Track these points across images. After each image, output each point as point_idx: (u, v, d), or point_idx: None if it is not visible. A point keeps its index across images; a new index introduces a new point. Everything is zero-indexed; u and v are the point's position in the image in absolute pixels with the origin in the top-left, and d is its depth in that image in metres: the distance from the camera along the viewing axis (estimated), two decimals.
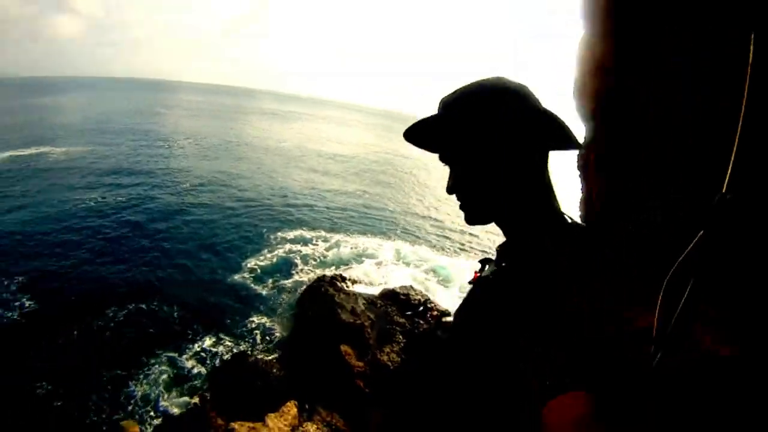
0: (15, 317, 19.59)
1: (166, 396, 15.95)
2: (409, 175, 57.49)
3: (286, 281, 23.53)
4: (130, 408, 15.20)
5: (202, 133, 72.20)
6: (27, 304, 20.54)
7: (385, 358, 15.69)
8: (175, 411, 15.25)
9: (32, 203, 34.54)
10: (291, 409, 10.35)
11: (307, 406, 12.21)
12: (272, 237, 29.11)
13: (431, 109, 1.53)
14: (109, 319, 19.84)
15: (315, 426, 9.57)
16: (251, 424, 8.91)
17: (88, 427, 14.31)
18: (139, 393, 15.89)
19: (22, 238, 27.63)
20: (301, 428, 9.63)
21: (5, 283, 22.15)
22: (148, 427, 14.56)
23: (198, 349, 18.44)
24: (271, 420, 9.40)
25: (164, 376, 16.86)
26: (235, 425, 8.56)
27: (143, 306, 20.90)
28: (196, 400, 15.48)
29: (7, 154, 47.85)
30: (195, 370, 17.27)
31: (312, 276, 23.47)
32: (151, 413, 15.15)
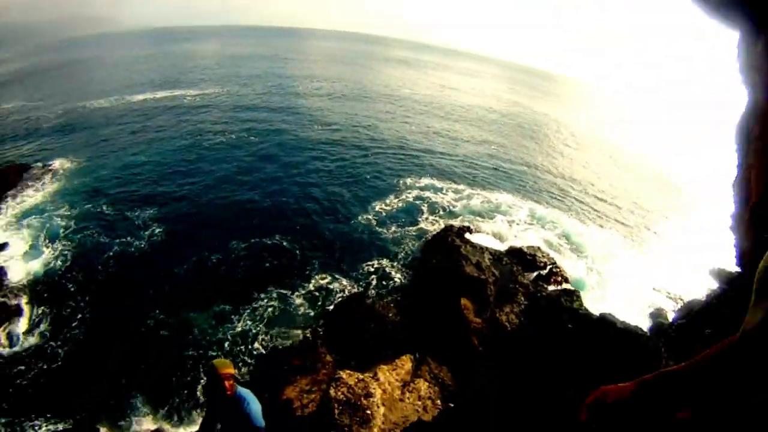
0: (142, 245, 21.47)
1: (266, 332, 16.67)
2: (548, 133, 54.43)
3: (410, 228, 23.43)
4: (227, 344, 16.04)
5: (334, 78, 73.86)
6: (156, 232, 22.54)
7: (504, 318, 15.13)
8: (278, 344, 15.93)
9: (167, 137, 37.82)
10: (406, 363, 10.18)
11: (418, 358, 11.80)
12: (401, 182, 29.11)
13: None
14: (229, 251, 21.08)
15: (426, 383, 9.26)
16: (360, 375, 8.44)
17: (183, 360, 15.27)
18: (239, 328, 16.72)
19: (158, 170, 30.51)
20: (411, 384, 9.22)
21: (138, 212, 24.46)
22: (246, 360, 15.36)
23: (312, 288, 18.99)
24: (383, 373, 9.05)
25: (269, 312, 17.60)
26: (343, 374, 8.21)
27: (266, 240, 21.90)
28: (307, 333, 16.11)
29: (143, 96, 52.85)
30: (304, 309, 17.84)
31: (438, 226, 23.14)
32: (246, 349, 15.90)
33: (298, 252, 21.04)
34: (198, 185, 28.02)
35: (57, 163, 33.49)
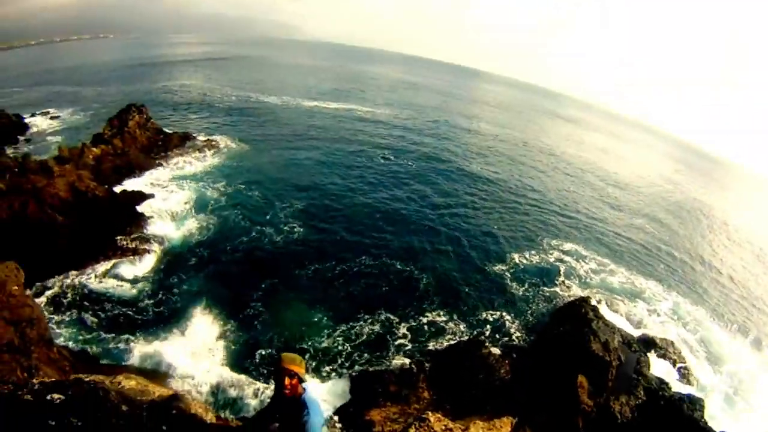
0: (277, 239, 23.47)
1: (365, 349, 17.34)
2: (711, 225, 49.79)
3: (543, 288, 23.05)
4: (321, 349, 17.04)
5: (502, 123, 74.26)
6: (294, 229, 24.55)
7: (617, 408, 14.37)
8: (375, 365, 16.51)
9: (329, 143, 40.66)
10: (504, 426, 8.76)
11: (518, 423, 11.80)
12: (544, 241, 28.61)
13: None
14: (353, 265, 22.14)
15: None
16: (450, 424, 7.24)
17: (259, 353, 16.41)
18: (336, 337, 17.64)
19: (313, 171, 33.02)
20: None
21: (284, 205, 26.90)
22: (338, 370, 16.09)
23: (424, 321, 19.36)
24: (476, 429, 8.15)
25: (372, 331, 18.28)
26: (431, 417, 7.19)
27: (393, 263, 22.71)
28: (411, 364, 16.41)
29: (315, 102, 57.54)
30: (409, 339, 18.20)
31: (572, 293, 22.60)
32: (340, 359, 16.74)
33: (421, 283, 21.55)
34: (346, 193, 30.12)
35: (220, 140, 37.71)
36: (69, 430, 3.82)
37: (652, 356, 18.23)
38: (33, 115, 46.80)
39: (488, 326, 19.57)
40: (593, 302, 19.55)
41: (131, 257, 20.40)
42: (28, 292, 15.52)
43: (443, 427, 6.93)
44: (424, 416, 7.15)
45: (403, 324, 18.96)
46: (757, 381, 20.38)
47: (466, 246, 25.72)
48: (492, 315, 20.24)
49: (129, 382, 5.66)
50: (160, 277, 19.60)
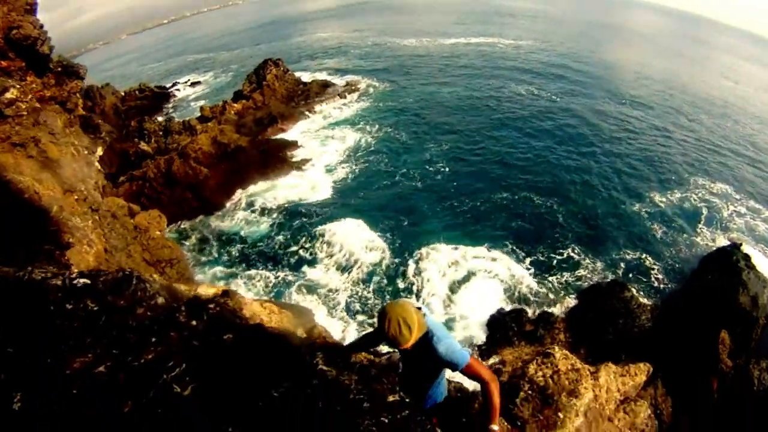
0: (432, 176, 23.77)
1: (500, 286, 17.18)
2: None
3: (689, 231, 20.91)
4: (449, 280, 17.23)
5: (656, 54, 66.40)
6: (441, 169, 24.53)
7: (757, 373, 12.85)
8: (509, 304, 16.28)
9: (473, 78, 39.36)
10: (639, 374, 7.35)
11: (653, 374, 10.56)
12: (692, 180, 25.49)
13: None
14: (494, 202, 21.87)
15: (647, 410, 6.80)
16: (578, 362, 6.14)
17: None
18: (477, 271, 17.71)
19: (458, 107, 32.45)
20: (632, 404, 6.74)
21: (432, 144, 26.93)
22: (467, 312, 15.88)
23: (560, 258, 18.65)
24: (607, 373, 6.68)
25: (501, 271, 17.88)
26: (557, 351, 6.26)
27: (532, 197, 22.16)
28: (548, 306, 16.11)
29: (455, 39, 55.25)
30: (549, 277, 17.73)
31: (721, 240, 20.26)
32: (470, 298, 16.58)
33: (559, 220, 20.77)
34: (488, 129, 29.24)
35: (361, 83, 38.06)
36: (77, 317, 3.10)
37: None
38: (174, 85, 49.91)
39: (628, 269, 18.35)
40: (746, 250, 17.23)
41: (267, 201, 21.81)
42: (169, 235, 18.19)
43: (569, 366, 6.00)
44: (549, 351, 6.27)
45: (541, 259, 18.57)
46: None
47: (603, 182, 24.05)
48: (632, 257, 18.94)
49: (206, 290, 5.01)
50: (293, 218, 20.92)
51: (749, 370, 12.68)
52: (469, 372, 3.23)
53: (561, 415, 5.24)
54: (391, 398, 3.30)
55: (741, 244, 17.24)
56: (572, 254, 18.76)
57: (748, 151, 32.64)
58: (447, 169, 24.17)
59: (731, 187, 25.62)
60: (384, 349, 5.25)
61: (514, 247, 18.89)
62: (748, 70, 78.61)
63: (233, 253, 18.97)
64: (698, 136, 33.01)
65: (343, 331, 15.08)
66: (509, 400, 5.33)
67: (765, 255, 19.63)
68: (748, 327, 13.38)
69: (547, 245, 19.10)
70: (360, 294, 16.74)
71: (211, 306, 3.78)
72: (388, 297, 16.41)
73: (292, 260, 18.43)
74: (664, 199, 23.01)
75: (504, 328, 14.61)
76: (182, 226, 20.45)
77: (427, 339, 3.29)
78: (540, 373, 5.72)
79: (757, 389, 12.40)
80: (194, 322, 3.62)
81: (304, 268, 17.92)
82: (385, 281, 17.29)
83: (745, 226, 22.35)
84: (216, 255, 18.90)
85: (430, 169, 24.29)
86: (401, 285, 17.08)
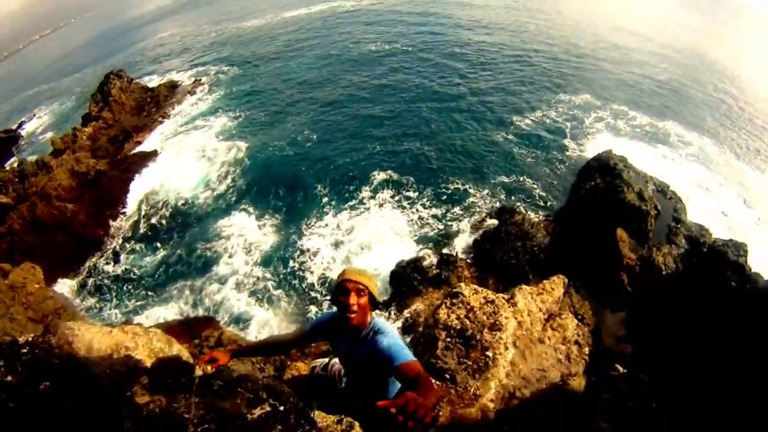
0: (302, 145, 23.22)
1: (392, 234, 17.21)
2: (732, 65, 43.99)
3: (561, 146, 21.78)
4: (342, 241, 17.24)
5: None
6: (312, 135, 23.96)
7: (660, 259, 13.55)
8: (410, 250, 16.17)
9: (319, 48, 38.64)
10: (556, 287, 6.81)
11: (569, 284, 10.57)
12: (553, 98, 26.59)
13: None
14: (365, 152, 21.92)
15: (574, 321, 6.11)
16: (489, 294, 5.70)
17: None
18: (364, 227, 17.75)
19: (308, 78, 31.69)
20: (557, 319, 6.15)
21: (297, 115, 26.44)
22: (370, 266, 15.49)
23: (445, 194, 18.82)
24: (524, 296, 6.13)
25: (397, 211, 18.19)
26: (465, 288, 5.73)
27: (400, 144, 22.27)
28: (446, 245, 16.08)
29: (297, 11, 53.75)
30: (438, 217, 17.81)
31: (593, 147, 21.12)
32: (367, 250, 16.73)
33: (430, 158, 20.97)
34: (346, 90, 28.77)
35: (209, 77, 36.52)
36: None
37: (687, 202, 16.89)
38: (20, 125, 44.73)
39: (511, 193, 18.70)
40: (618, 154, 17.95)
41: (149, 219, 20.50)
42: (51, 287, 16.61)
43: (482, 300, 5.48)
44: (456, 290, 5.69)
45: (426, 203, 18.63)
46: None
47: (471, 118, 24.33)
48: (512, 181, 19.30)
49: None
50: (182, 229, 19.74)
51: (653, 259, 13.23)
52: (408, 370, 2.66)
53: (489, 353, 4.75)
54: (257, 412, 2.59)
55: (611, 150, 17.98)
56: (456, 189, 18.95)
57: (597, 57, 34.81)
58: (315, 136, 23.71)
59: (593, 96, 26.95)
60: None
61: (399, 196, 18.96)
62: None
63: (130, 285, 17.44)
64: (552, 52, 34.61)
65: (263, 325, 14.43)
66: (430, 354, 4.77)
67: (638, 153, 20.65)
68: (641, 220, 13.94)
69: (429, 188, 19.23)
70: (263, 282, 16.14)
71: (24, 351, 2.84)
72: (292, 280, 16.11)
73: (194, 269, 17.35)
74: (529, 122, 23.71)
75: (408, 279, 14.24)
76: (74, 278, 18.58)
77: (373, 331, 3.15)
78: (453, 316, 5.26)
79: (666, 272, 12.99)
80: (9, 378, 2.70)
81: (209, 272, 16.93)
82: (282, 265, 16.70)
83: (617, 128, 23.76)
84: (114, 292, 17.28)
85: (298, 138, 23.72)
86: (300, 263, 16.63)
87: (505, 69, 30.70)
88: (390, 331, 3.10)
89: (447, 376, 4.48)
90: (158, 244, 18.92)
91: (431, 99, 26.29)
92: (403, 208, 18.38)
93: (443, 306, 5.51)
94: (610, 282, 12.85)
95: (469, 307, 5.33)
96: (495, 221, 15.76)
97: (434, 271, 14.28)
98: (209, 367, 2.89)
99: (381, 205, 18.68)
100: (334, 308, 3.22)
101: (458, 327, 5.05)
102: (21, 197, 21.98)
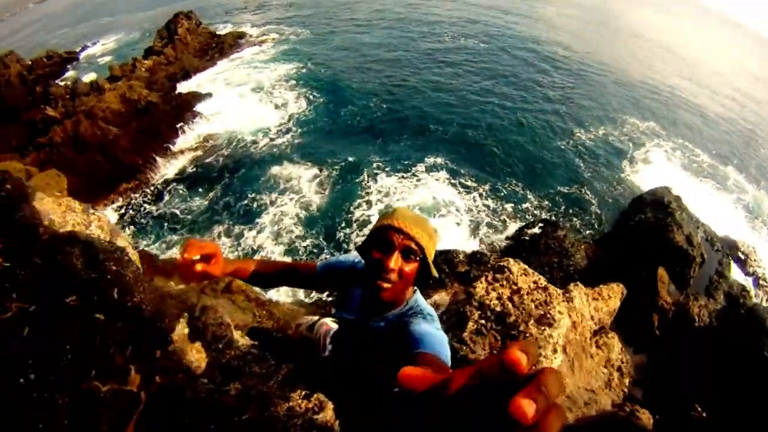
0: (364, 113, 23.32)
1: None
2: None
3: (614, 170, 21.27)
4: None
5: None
6: (380, 105, 24.15)
7: (696, 310, 12.81)
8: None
9: (388, 27, 38.24)
10: (613, 296, 6.27)
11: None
12: (619, 118, 26.04)
13: None
14: (432, 135, 21.88)
15: (619, 343, 5.37)
16: (541, 279, 4.60)
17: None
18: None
19: (372, 55, 31.19)
20: (604, 336, 5.41)
21: (364, 82, 26.45)
22: None
23: (501, 188, 18.79)
24: (580, 295, 5.23)
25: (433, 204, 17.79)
26: (513, 264, 4.64)
27: (468, 133, 22.10)
28: (475, 241, 16.05)
29: None
30: (472, 214, 17.57)
31: (649, 176, 20.81)
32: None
33: (493, 153, 20.83)
34: (414, 71, 28.67)
35: (283, 32, 36.88)
36: None
37: (734, 259, 16.35)
38: (83, 48, 45.69)
39: (562, 206, 18.49)
40: (675, 192, 17.39)
41: (198, 160, 20.27)
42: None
43: (532, 285, 4.32)
44: (502, 264, 4.64)
45: (483, 192, 18.58)
46: None
47: (534, 121, 24.09)
48: (566, 194, 19.12)
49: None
50: (231, 174, 19.43)
51: (688, 307, 12.85)
52: (431, 362, 1.76)
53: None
54: None
55: (670, 188, 17.30)
56: (512, 190, 18.87)
57: (672, 90, 33.95)
58: (379, 108, 23.76)
59: (662, 126, 26.43)
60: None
61: (456, 181, 18.94)
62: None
63: (169, 224, 17.26)
64: (630, 78, 33.91)
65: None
66: (453, 336, 3.74)
67: (694, 195, 19.80)
68: (685, 265, 13.33)
69: (486, 181, 19.15)
70: (302, 240, 16.11)
71: None
72: (332, 244, 16.01)
73: (238, 216, 17.25)
74: (592, 137, 23.41)
75: (436, 267, 13.98)
76: (106, 205, 18.34)
77: (410, 312, 2.10)
78: (493, 294, 4.10)
79: (698, 324, 12.63)
80: None
81: (251, 221, 16.88)
82: (325, 228, 16.64)
83: (677, 163, 23.24)
84: (151, 228, 17.14)
85: (362, 105, 23.82)
86: (345, 226, 16.60)
87: (579, 80, 30.39)
88: (435, 318, 2.08)
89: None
90: (205, 186, 18.72)
91: (502, 95, 26.02)
92: (458, 192, 18.32)
93: (483, 278, 4.42)
94: (640, 320, 12.58)
95: (515, 287, 4.24)
96: (537, 231, 15.29)
97: (464, 268, 13.92)
98: (199, 266, 1.91)
99: (437, 180, 18.75)
100: (357, 257, 2.30)
101: (498, 309, 3.96)
102: (69, 113, 22.31)
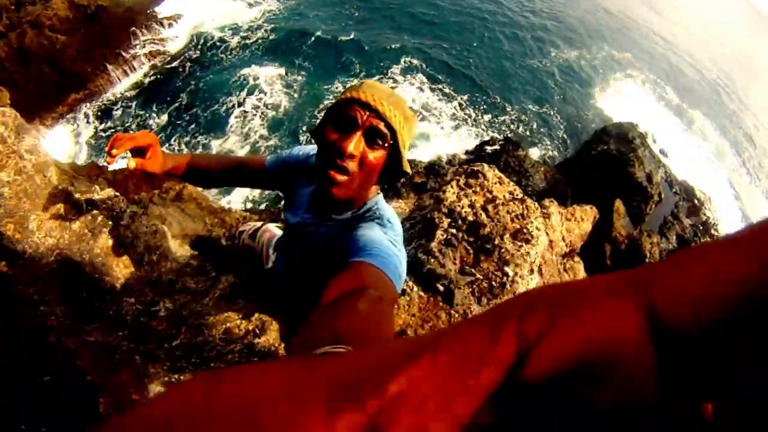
0: (336, 20, 21.50)
1: None
2: None
3: (584, 92, 21.22)
4: None
5: None
6: (354, 13, 22.35)
7: (647, 246, 12.51)
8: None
9: None
10: (587, 219, 5.06)
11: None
12: (596, 45, 25.73)
13: None
14: (407, 44, 20.58)
15: (582, 270, 5.22)
16: (519, 191, 4.18)
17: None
18: None
19: None
20: (570, 260, 4.96)
21: None
22: None
23: (455, 101, 18.10)
24: (555, 213, 4.61)
25: None
26: (488, 170, 3.05)
27: (443, 45, 21.10)
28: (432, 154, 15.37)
29: None
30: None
31: (618, 105, 20.87)
32: None
33: (470, 64, 20.12)
34: None
35: None
36: None
37: (689, 202, 16.66)
38: None
39: (532, 123, 18.28)
40: (642, 127, 17.42)
41: (151, 60, 18.21)
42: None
43: (508, 195, 3.78)
44: (476, 168, 3.95)
45: (450, 105, 17.96)
46: None
47: (512, 38, 23.39)
48: (536, 113, 18.86)
49: None
50: (197, 79, 17.54)
51: (640, 243, 12.70)
52: (363, 274, 1.26)
53: (509, 270, 3.06)
54: None
55: (637, 125, 17.22)
56: (482, 102, 18.46)
57: (664, 39, 33.59)
58: (356, 13, 22.32)
59: (633, 57, 26.31)
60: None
61: (429, 85, 18.48)
62: None
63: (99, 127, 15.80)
64: (611, 3, 33.44)
65: (244, 197, 13.31)
66: (419, 247, 3.18)
67: (659, 134, 20.06)
68: (642, 201, 13.37)
69: (458, 89, 18.61)
70: (266, 142, 15.25)
71: None
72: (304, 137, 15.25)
73: (202, 124, 15.88)
74: (568, 58, 23.20)
75: None
76: (53, 121, 16.56)
77: (366, 216, 1.59)
78: (465, 201, 3.51)
79: (649, 260, 12.46)
80: None
81: (216, 128, 15.65)
82: (293, 130, 15.75)
83: (648, 99, 23.25)
84: (103, 143, 15.20)
85: (340, 9, 22.40)
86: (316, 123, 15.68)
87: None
88: (395, 227, 1.60)
89: (440, 287, 2.86)
90: (167, 93, 16.91)
91: (480, 8, 25.03)
92: (439, 98, 17.90)
93: (453, 184, 3.80)
94: (593, 249, 12.38)
95: (490, 196, 3.63)
96: (497, 147, 14.68)
97: (420, 179, 12.90)
98: (132, 163, 1.57)
99: (412, 84, 18.19)
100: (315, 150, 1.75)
101: (470, 219, 3.34)
102: (13, 26, 20.24)
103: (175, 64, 17.93)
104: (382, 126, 1.40)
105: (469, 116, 17.61)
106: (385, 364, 0.31)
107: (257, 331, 2.15)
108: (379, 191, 1.66)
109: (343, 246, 1.42)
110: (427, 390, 0.29)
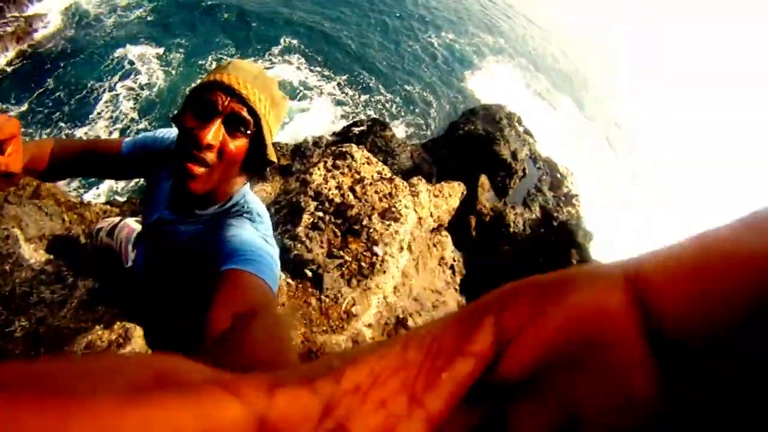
0: None
1: None
2: None
3: (454, 77, 21.74)
4: None
5: None
6: None
7: (511, 217, 13.35)
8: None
9: None
10: (454, 195, 6.99)
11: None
12: (471, 31, 26.43)
13: None
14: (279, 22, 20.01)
15: (450, 242, 5.94)
16: (387, 169, 4.75)
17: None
18: None
19: None
20: (438, 235, 5.38)
21: None
22: None
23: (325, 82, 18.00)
24: (424, 191, 5.40)
25: None
26: (355, 149, 4.60)
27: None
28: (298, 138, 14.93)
29: None
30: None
31: (489, 88, 21.62)
32: None
33: (348, 46, 20.02)
34: None
35: None
36: None
37: (552, 177, 17.68)
38: None
39: (406, 105, 18.59)
40: (509, 109, 18.00)
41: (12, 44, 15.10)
42: None
43: (376, 175, 4.03)
44: (344, 150, 4.15)
45: (329, 85, 17.99)
46: None
47: (399, 20, 23.73)
48: (410, 94, 19.14)
49: None
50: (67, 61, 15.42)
51: (505, 216, 13.50)
52: (241, 285, 1.22)
53: (378, 250, 3.13)
54: None
55: (506, 106, 17.94)
56: (359, 82, 18.59)
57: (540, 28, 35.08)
58: None
59: (506, 43, 27.36)
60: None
61: (308, 66, 18.22)
62: None
63: None
64: None
65: (111, 189, 11.95)
66: (286, 233, 3.19)
67: (526, 113, 20.92)
68: (507, 176, 14.16)
69: (337, 70, 18.64)
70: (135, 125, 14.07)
71: None
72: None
73: (71, 111, 14.15)
74: (445, 42, 23.62)
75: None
76: None
77: (232, 210, 1.52)
78: (333, 183, 3.56)
79: (513, 230, 13.31)
80: None
81: (85, 112, 14.06)
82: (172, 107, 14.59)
83: (520, 82, 24.33)
84: None
85: None
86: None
87: None
88: (265, 222, 1.56)
89: (308, 272, 2.85)
90: (29, 80, 14.49)
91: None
92: (319, 79, 17.82)
93: (320, 166, 3.89)
94: (459, 222, 12.97)
95: (358, 177, 3.75)
96: (365, 128, 14.78)
97: (285, 161, 13.03)
98: None
99: (291, 64, 17.86)
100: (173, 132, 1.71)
101: (337, 200, 3.40)
102: None
103: (42, 44, 15.63)
104: (244, 112, 1.33)
105: (347, 95, 17.75)
106: (342, 356, 0.30)
107: (121, 341, 2.07)
108: (245, 182, 1.58)
109: (213, 248, 1.38)
110: (394, 386, 0.27)
